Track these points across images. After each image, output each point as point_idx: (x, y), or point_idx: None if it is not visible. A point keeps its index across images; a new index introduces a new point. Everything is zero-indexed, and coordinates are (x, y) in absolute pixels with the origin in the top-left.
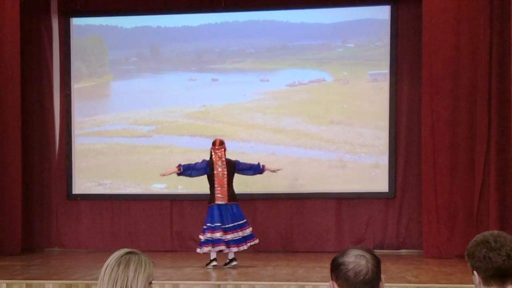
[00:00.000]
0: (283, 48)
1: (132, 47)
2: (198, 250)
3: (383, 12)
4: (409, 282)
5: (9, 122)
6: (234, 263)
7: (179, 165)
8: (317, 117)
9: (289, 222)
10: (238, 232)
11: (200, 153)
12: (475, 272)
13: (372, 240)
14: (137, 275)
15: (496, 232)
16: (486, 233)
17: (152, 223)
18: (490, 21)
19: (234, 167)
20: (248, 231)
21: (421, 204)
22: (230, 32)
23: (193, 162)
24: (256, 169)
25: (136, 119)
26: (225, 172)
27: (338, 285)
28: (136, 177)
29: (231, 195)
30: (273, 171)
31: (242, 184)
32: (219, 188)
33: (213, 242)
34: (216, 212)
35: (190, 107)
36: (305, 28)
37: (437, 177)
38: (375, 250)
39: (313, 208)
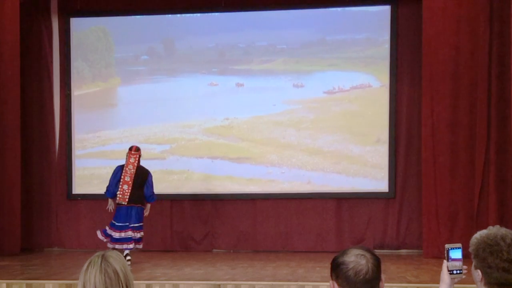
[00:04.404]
0: (320, 44)
1: (142, 42)
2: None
3: None
4: (409, 282)
5: (9, 122)
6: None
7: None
8: (361, 134)
9: (289, 222)
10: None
11: (222, 181)
12: (478, 270)
13: (372, 240)
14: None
15: (503, 230)
16: (493, 231)
17: (152, 223)
18: (490, 21)
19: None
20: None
21: (421, 204)
22: (257, 22)
23: (208, 192)
24: (147, 199)
25: (147, 136)
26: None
27: (338, 285)
28: None
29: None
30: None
31: (242, 183)
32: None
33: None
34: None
35: (210, 121)
36: (347, 17)
37: (437, 177)
38: (375, 250)
39: (313, 208)
